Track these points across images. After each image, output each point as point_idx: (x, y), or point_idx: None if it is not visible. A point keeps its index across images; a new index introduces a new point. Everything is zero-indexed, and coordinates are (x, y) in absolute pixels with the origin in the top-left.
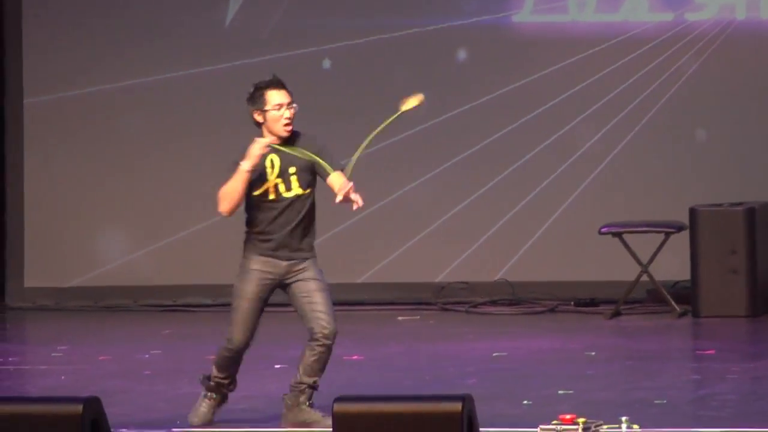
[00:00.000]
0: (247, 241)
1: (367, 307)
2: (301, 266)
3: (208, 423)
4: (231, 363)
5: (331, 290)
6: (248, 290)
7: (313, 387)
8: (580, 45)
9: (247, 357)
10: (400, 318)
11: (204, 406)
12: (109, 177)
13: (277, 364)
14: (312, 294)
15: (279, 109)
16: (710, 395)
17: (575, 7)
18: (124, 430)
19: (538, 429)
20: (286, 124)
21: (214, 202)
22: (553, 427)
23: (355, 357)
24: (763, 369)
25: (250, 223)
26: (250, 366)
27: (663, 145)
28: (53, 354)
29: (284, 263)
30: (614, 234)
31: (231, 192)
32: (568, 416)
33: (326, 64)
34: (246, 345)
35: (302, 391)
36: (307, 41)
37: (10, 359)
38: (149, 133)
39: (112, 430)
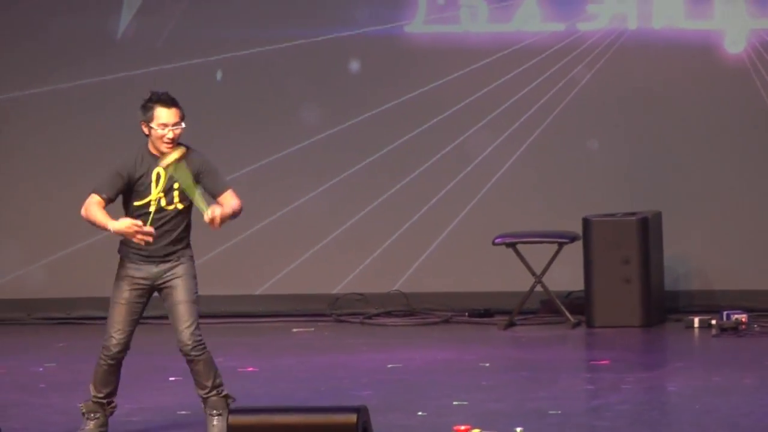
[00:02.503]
0: (121, 248)
1: (262, 319)
2: (172, 271)
3: None
4: (107, 374)
5: (224, 302)
6: (120, 294)
7: (206, 398)
8: (473, 55)
9: (140, 369)
10: (294, 330)
11: (89, 425)
12: (1, 188)
13: (172, 377)
14: (175, 306)
15: (163, 128)
16: (604, 405)
17: (467, 17)
18: None
19: None
20: (167, 143)
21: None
22: None
23: (249, 369)
24: (656, 379)
25: None
26: (144, 378)
27: (556, 155)
28: None
29: (155, 269)
30: (508, 245)
31: (92, 222)
32: (462, 427)
33: (219, 75)
34: (121, 348)
35: (204, 403)
36: (199, 52)
37: None
38: (40, 145)
39: None
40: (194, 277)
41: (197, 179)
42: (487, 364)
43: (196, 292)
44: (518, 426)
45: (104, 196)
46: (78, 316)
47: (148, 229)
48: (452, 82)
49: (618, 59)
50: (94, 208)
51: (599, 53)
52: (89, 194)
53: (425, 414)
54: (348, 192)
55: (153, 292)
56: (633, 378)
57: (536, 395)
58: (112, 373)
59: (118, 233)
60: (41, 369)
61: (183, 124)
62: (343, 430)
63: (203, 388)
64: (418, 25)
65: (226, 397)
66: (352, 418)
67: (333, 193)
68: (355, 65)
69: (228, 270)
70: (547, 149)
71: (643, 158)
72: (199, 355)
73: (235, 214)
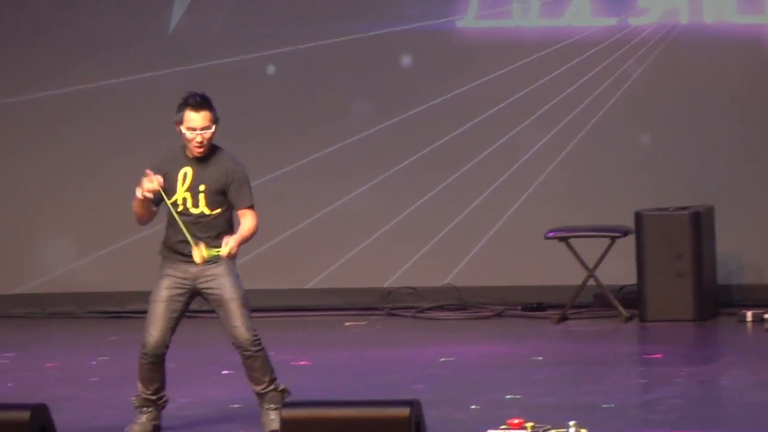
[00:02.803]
0: (161, 248)
1: (314, 312)
2: (212, 272)
3: (150, 430)
4: (150, 371)
5: (276, 296)
6: (158, 293)
7: (263, 393)
8: (524, 50)
9: (192, 363)
10: (347, 323)
11: (141, 419)
12: (54, 184)
13: (224, 370)
14: (225, 304)
15: (192, 132)
16: (657, 399)
17: (519, 12)
18: None
19: None
20: (197, 147)
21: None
22: (501, 431)
23: (302, 362)
24: (709, 373)
25: (166, 228)
26: (197, 372)
27: (608, 149)
28: None
29: (193, 269)
30: (560, 239)
31: (134, 209)
32: (516, 421)
33: (270, 69)
34: (159, 347)
35: (260, 398)
36: (251, 47)
37: None
38: (94, 140)
39: None
40: (237, 276)
41: (226, 187)
42: (540, 358)
43: (243, 289)
44: (571, 420)
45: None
46: (131, 309)
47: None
48: (503, 76)
49: (669, 54)
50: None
51: (650, 48)
52: None
53: (478, 408)
54: (399, 186)
55: (195, 293)
56: (686, 372)
57: (589, 389)
58: (155, 370)
59: (140, 189)
60: (94, 363)
61: (213, 128)
62: (395, 424)
63: (260, 383)
64: (469, 20)
65: (283, 391)
66: (405, 411)
67: (384, 187)
68: (406, 60)
69: (279, 264)
70: (599, 144)
71: (696, 152)
72: (257, 351)
73: (248, 239)
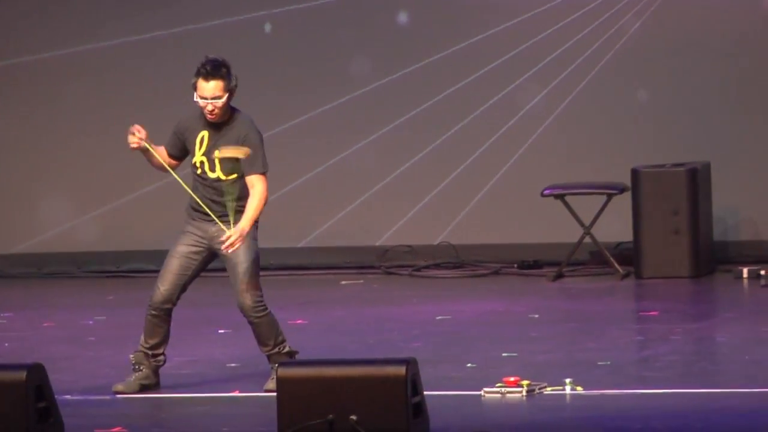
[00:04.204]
0: (188, 203)
1: (311, 271)
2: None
3: (134, 391)
4: (153, 324)
5: (271, 254)
6: (175, 248)
7: (269, 355)
8: (520, 5)
9: (191, 321)
10: (343, 282)
11: (131, 377)
12: (50, 143)
13: (221, 329)
14: (234, 268)
15: (203, 100)
16: (654, 356)
17: None
18: (68, 396)
19: (482, 391)
20: (209, 114)
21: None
22: (497, 389)
23: (299, 321)
24: (705, 330)
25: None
26: (194, 330)
27: (605, 105)
28: None
29: (212, 228)
30: (556, 196)
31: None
32: (512, 378)
33: (267, 28)
34: (165, 302)
35: (267, 359)
36: (248, 6)
37: None
38: (91, 99)
39: (56, 396)
40: (254, 239)
41: (238, 145)
42: (536, 316)
43: (257, 253)
44: (567, 377)
45: (169, 152)
46: (128, 269)
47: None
48: (500, 33)
49: (666, 8)
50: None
51: (647, 3)
52: None
53: (474, 366)
54: (394, 143)
55: (212, 254)
56: (682, 329)
57: (585, 346)
58: (158, 324)
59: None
60: (91, 322)
61: (225, 97)
62: (392, 383)
63: (265, 346)
64: None
65: (289, 353)
66: (402, 370)
67: (379, 143)
68: (402, 17)
69: (275, 222)
70: (595, 99)
71: (692, 108)
72: (260, 316)
73: (255, 218)
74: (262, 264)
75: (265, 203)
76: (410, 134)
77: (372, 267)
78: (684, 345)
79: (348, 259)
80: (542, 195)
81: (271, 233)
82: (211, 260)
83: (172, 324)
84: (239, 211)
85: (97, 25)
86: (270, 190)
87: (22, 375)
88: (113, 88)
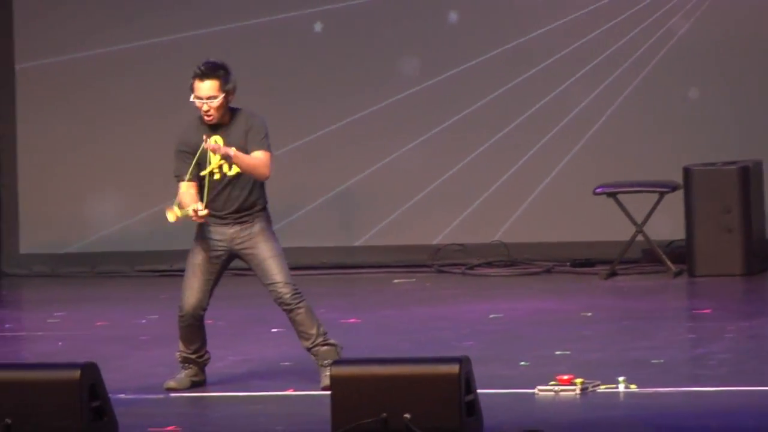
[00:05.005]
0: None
1: (363, 270)
2: (248, 231)
3: (186, 387)
4: (188, 333)
5: (324, 253)
6: (194, 256)
7: (313, 347)
8: (572, 5)
9: (243, 321)
10: (396, 281)
11: (181, 374)
12: (103, 142)
13: (274, 328)
14: (263, 263)
15: (198, 100)
16: (707, 354)
17: None
18: (121, 395)
19: (536, 390)
20: (205, 115)
21: None
22: (551, 387)
23: (351, 320)
24: (758, 327)
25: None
26: (247, 330)
27: (656, 104)
28: (49, 320)
29: (230, 230)
30: (609, 194)
31: None
32: (565, 377)
33: (317, 27)
34: (196, 309)
35: (314, 356)
36: (298, 4)
37: (6, 326)
38: (144, 98)
39: (109, 395)
40: (272, 233)
41: (245, 135)
42: (589, 314)
43: (279, 245)
44: (620, 375)
45: (184, 178)
46: (181, 268)
47: (198, 209)
48: (551, 32)
49: (717, 7)
50: (183, 199)
51: (697, 2)
52: None
53: (527, 364)
54: (448, 142)
55: (232, 255)
56: (735, 327)
57: (638, 345)
58: (193, 332)
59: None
60: (144, 321)
61: (221, 97)
62: (445, 381)
63: (308, 338)
64: None
65: (335, 345)
66: (455, 368)
67: (433, 143)
68: (453, 16)
69: (328, 222)
70: (647, 98)
71: (744, 106)
72: (299, 303)
73: (247, 163)
74: (314, 262)
75: (262, 175)
76: (463, 134)
77: (424, 266)
78: (737, 343)
79: (400, 258)
80: (594, 193)
81: (325, 233)
82: (231, 261)
83: (225, 324)
84: (252, 207)
85: (144, 24)
86: (324, 189)
87: (76, 374)
88: (163, 87)
